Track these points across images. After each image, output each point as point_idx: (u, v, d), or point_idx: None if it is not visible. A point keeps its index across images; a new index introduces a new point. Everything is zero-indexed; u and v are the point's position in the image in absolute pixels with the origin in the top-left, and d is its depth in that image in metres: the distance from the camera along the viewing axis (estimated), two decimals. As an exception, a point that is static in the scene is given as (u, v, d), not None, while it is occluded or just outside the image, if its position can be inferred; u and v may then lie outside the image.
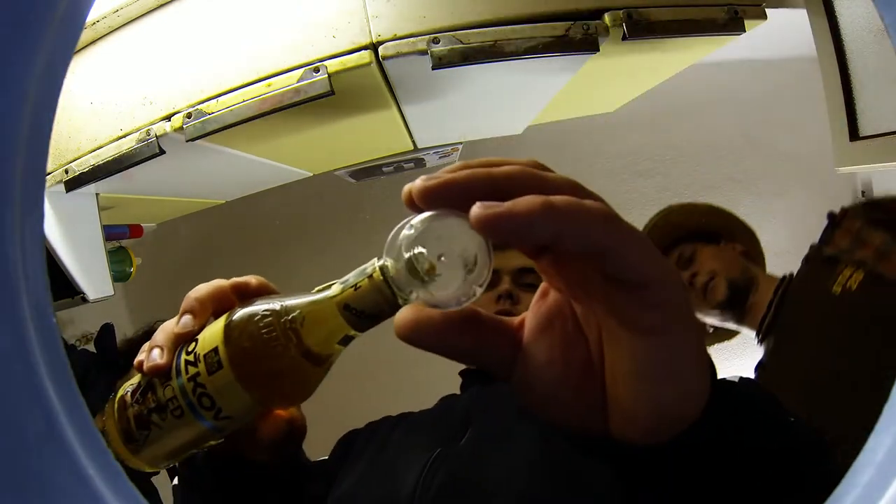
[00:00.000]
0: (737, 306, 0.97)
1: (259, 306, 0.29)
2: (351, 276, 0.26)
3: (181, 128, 0.68)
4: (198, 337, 0.30)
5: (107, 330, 1.13)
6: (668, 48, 0.85)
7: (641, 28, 0.67)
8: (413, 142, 1.13)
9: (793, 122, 1.75)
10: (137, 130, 0.71)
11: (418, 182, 0.20)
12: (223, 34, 0.68)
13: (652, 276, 0.20)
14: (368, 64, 0.63)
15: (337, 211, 1.87)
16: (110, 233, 1.16)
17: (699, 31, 0.71)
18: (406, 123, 0.96)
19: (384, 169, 1.27)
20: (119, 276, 1.24)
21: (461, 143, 1.27)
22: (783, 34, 1.34)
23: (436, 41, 0.63)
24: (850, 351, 0.76)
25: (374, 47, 0.63)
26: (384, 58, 0.63)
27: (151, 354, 0.31)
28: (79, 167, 0.75)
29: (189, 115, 0.67)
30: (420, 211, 0.21)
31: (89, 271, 0.91)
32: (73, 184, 0.76)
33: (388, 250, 0.23)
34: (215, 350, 0.28)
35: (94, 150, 0.74)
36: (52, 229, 0.84)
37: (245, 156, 0.91)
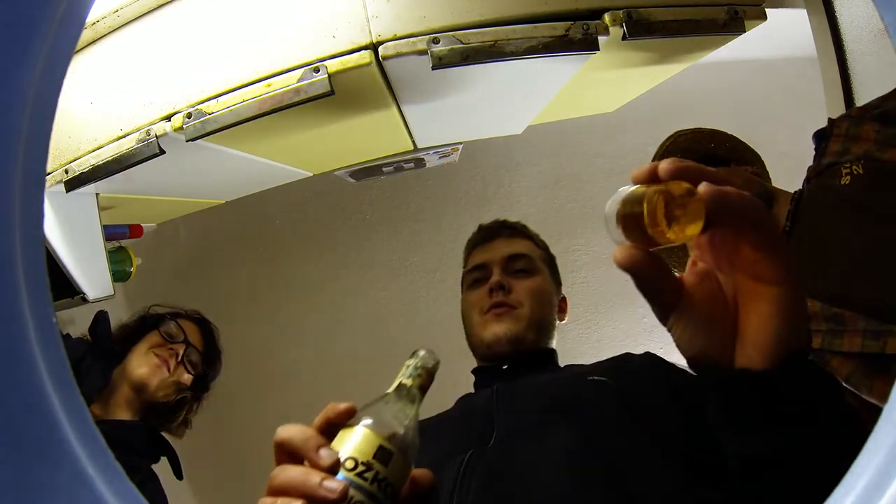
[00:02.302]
0: None
1: (385, 409, 0.38)
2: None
3: (181, 128, 0.68)
4: (339, 458, 0.35)
5: (101, 317, 1.13)
6: (668, 48, 0.85)
7: (641, 28, 0.67)
8: (413, 142, 1.13)
9: (793, 122, 1.74)
10: (137, 130, 0.71)
11: (665, 163, 0.32)
12: (223, 34, 0.68)
13: (781, 244, 0.32)
14: (368, 64, 0.63)
15: (337, 211, 1.87)
16: (110, 233, 1.16)
17: (699, 31, 0.71)
18: (406, 123, 0.95)
19: (384, 169, 1.27)
20: (119, 276, 1.24)
21: (461, 143, 1.27)
22: (783, 34, 1.34)
23: (436, 41, 0.63)
24: (875, 220, 0.75)
25: (374, 47, 0.63)
26: (384, 58, 0.63)
27: (328, 486, 0.32)
28: (79, 167, 0.75)
29: (189, 115, 0.67)
30: (653, 183, 0.33)
31: (89, 271, 0.91)
32: (73, 184, 0.76)
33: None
34: (380, 448, 0.35)
35: (94, 150, 0.74)
36: (52, 229, 0.84)
37: (245, 156, 0.91)
